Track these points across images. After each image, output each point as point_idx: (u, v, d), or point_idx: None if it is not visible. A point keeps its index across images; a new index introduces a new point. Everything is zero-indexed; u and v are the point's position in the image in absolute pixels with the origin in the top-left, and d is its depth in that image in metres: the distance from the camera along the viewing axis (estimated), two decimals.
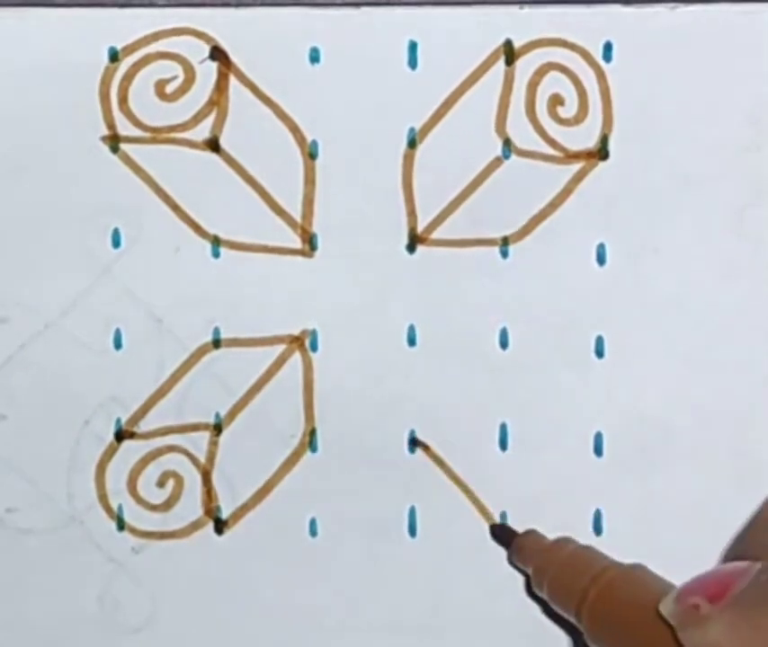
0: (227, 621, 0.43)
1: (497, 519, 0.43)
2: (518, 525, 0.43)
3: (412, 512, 0.43)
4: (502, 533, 0.43)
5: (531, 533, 0.42)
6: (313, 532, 0.43)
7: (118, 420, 0.42)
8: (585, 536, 0.42)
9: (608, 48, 0.40)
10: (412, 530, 0.43)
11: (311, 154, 0.41)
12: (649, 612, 0.36)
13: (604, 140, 0.41)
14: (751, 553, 0.36)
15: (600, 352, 0.42)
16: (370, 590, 0.43)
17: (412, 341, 0.42)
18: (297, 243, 0.41)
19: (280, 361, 0.42)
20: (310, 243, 0.41)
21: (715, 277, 0.42)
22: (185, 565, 0.43)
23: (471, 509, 0.43)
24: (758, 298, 0.42)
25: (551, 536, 0.42)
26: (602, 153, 0.41)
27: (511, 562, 0.43)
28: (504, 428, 0.43)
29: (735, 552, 0.38)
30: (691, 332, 0.42)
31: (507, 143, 0.41)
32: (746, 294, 0.42)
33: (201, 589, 0.43)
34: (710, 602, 0.33)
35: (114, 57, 0.40)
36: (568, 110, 0.41)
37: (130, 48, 0.40)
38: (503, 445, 0.43)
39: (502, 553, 0.43)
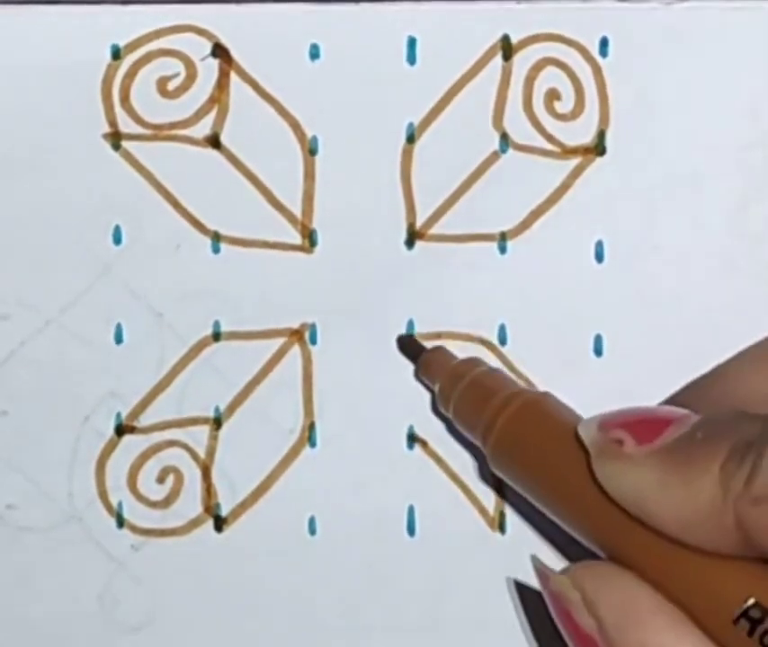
0: (227, 619, 0.43)
1: (495, 517, 0.43)
2: (518, 523, 0.43)
3: (411, 511, 0.43)
4: (410, 346, 0.42)
5: (439, 349, 0.41)
6: (312, 530, 0.43)
7: (118, 415, 0.42)
8: None
9: (604, 43, 0.41)
10: (411, 529, 0.43)
11: (311, 150, 0.41)
12: (563, 437, 0.34)
13: (601, 136, 0.42)
14: (693, 403, 0.33)
15: (598, 350, 0.42)
16: (368, 589, 0.43)
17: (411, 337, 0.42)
18: (297, 238, 0.42)
19: (279, 354, 0.42)
20: (310, 238, 0.42)
21: (714, 274, 0.42)
22: (185, 563, 0.43)
23: (470, 508, 0.43)
24: (757, 296, 0.42)
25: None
26: (599, 148, 0.42)
27: (417, 376, 0.42)
28: None
29: (676, 399, 0.36)
30: (690, 330, 0.42)
31: (504, 137, 0.41)
32: (746, 292, 0.42)
33: (201, 588, 0.43)
34: (637, 442, 0.31)
35: (116, 54, 0.40)
36: (565, 105, 0.41)
37: (132, 46, 0.40)
38: None
39: (501, 553, 0.43)
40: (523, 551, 0.43)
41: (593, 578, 0.33)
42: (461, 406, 0.39)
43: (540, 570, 0.34)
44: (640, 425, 0.32)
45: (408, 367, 0.43)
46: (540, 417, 0.37)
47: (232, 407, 0.42)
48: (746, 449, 0.29)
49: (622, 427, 0.32)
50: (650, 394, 0.42)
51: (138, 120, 0.41)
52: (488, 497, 0.43)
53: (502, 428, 0.37)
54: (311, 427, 0.43)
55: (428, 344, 0.42)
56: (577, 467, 0.33)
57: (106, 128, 0.41)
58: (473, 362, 0.40)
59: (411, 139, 0.41)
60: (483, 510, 0.43)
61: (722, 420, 0.31)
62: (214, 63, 0.41)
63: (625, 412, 0.33)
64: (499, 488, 0.41)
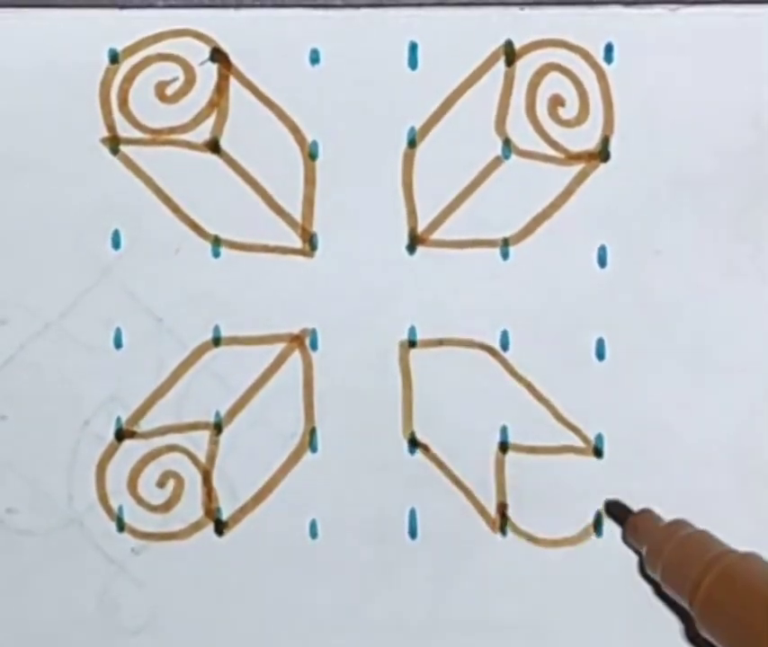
0: (228, 622, 0.43)
1: (497, 519, 0.43)
2: (518, 525, 0.43)
3: (412, 514, 0.43)
4: (616, 510, 0.43)
5: (646, 512, 0.42)
6: (313, 534, 0.43)
7: (118, 420, 0.42)
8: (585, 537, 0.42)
9: (609, 49, 0.40)
10: (412, 532, 0.43)
11: (311, 154, 0.41)
12: (765, 602, 0.35)
13: (605, 142, 0.41)
14: None
15: (600, 354, 0.42)
16: (370, 591, 0.43)
17: (412, 343, 0.42)
18: (297, 242, 0.41)
19: (280, 360, 0.42)
20: (310, 242, 0.41)
21: (715, 278, 0.42)
22: (186, 566, 0.43)
23: (471, 511, 0.43)
24: (758, 299, 0.42)
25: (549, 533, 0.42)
26: (603, 154, 0.41)
27: (624, 539, 0.42)
28: (504, 429, 0.43)
29: None
30: (691, 333, 0.42)
31: (507, 143, 0.41)
32: (747, 295, 0.42)
33: (202, 591, 0.43)
34: None
35: (114, 58, 0.40)
36: (569, 111, 0.41)
37: (131, 50, 0.40)
38: (503, 447, 0.43)
39: (502, 555, 0.43)
40: (524, 553, 0.43)
41: None
42: (668, 571, 0.40)
43: None
44: None
45: (410, 374, 0.42)
46: (743, 580, 0.37)
47: (233, 412, 0.42)
48: None
49: None
50: (652, 398, 0.42)
51: (137, 125, 0.41)
52: (490, 500, 0.43)
53: (706, 592, 0.38)
54: (312, 432, 0.42)
55: (431, 349, 0.42)
56: None
57: (104, 133, 0.41)
58: (679, 525, 0.41)
59: (412, 144, 0.41)
60: (484, 513, 0.43)
61: None
62: (213, 67, 0.40)
63: None
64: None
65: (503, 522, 0.43)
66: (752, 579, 0.37)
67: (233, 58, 0.40)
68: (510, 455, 0.43)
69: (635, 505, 0.43)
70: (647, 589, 0.43)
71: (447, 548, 0.43)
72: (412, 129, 0.41)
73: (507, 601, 0.43)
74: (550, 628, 0.43)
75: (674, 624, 0.43)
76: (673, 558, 0.40)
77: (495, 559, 0.43)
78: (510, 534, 0.43)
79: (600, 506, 0.43)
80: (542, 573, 0.43)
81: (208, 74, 0.40)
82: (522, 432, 0.43)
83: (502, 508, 0.43)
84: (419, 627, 0.43)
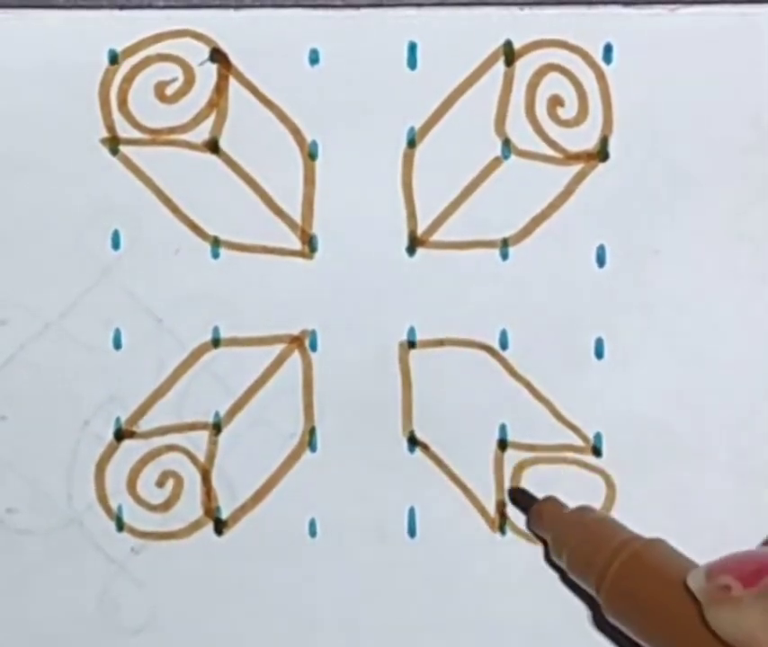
0: (227, 622, 0.43)
1: (496, 519, 0.43)
2: (517, 525, 0.43)
3: (411, 513, 0.43)
4: (521, 498, 0.43)
5: (550, 499, 0.42)
6: (312, 533, 0.43)
7: (117, 420, 0.42)
8: None
9: (608, 49, 0.40)
10: (411, 531, 0.43)
11: (311, 155, 0.41)
12: (673, 587, 0.36)
13: (604, 141, 0.41)
14: None
15: (599, 354, 0.42)
16: (369, 591, 0.43)
17: (412, 343, 0.42)
18: (296, 244, 0.41)
19: (279, 361, 0.42)
20: (310, 244, 0.41)
21: (715, 278, 0.42)
22: (185, 566, 0.43)
23: (471, 510, 0.43)
24: (758, 299, 0.42)
25: None
26: (602, 154, 0.41)
27: (529, 527, 0.43)
28: (503, 428, 0.43)
29: None
30: (690, 333, 0.42)
31: (507, 143, 0.41)
32: (746, 295, 0.42)
33: (201, 591, 0.43)
34: (743, 585, 0.32)
35: (114, 59, 0.40)
36: (568, 111, 0.41)
37: (130, 50, 0.40)
38: (502, 446, 0.43)
39: (502, 554, 0.43)
40: (523, 552, 0.43)
41: None
42: (573, 558, 0.40)
43: None
44: (745, 569, 0.33)
45: (409, 374, 0.42)
46: (650, 566, 0.37)
47: (232, 413, 0.42)
48: None
49: (728, 573, 0.33)
50: (650, 398, 0.42)
51: (137, 125, 0.41)
52: (489, 499, 0.43)
53: (613, 578, 0.38)
54: (311, 432, 0.42)
55: (430, 349, 0.42)
56: (688, 615, 0.34)
57: (104, 133, 0.41)
58: (584, 511, 0.41)
59: (412, 144, 0.41)
60: (484, 512, 0.43)
61: None
62: (212, 68, 0.40)
63: (729, 559, 0.34)
64: (613, 635, 0.42)
65: (502, 522, 0.43)
66: (659, 563, 0.37)
67: (232, 59, 0.40)
68: (509, 453, 0.43)
69: (634, 505, 0.43)
70: None
71: (446, 547, 0.43)
72: (411, 130, 0.41)
73: (506, 600, 0.43)
74: (550, 628, 0.43)
75: None
76: (578, 545, 0.40)
77: (494, 558, 0.43)
78: (509, 533, 0.43)
79: (600, 506, 0.43)
80: (541, 573, 0.43)
81: (207, 74, 0.40)
82: (521, 431, 0.43)
83: (501, 507, 0.43)
84: (418, 626, 0.43)
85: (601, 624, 0.42)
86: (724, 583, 0.33)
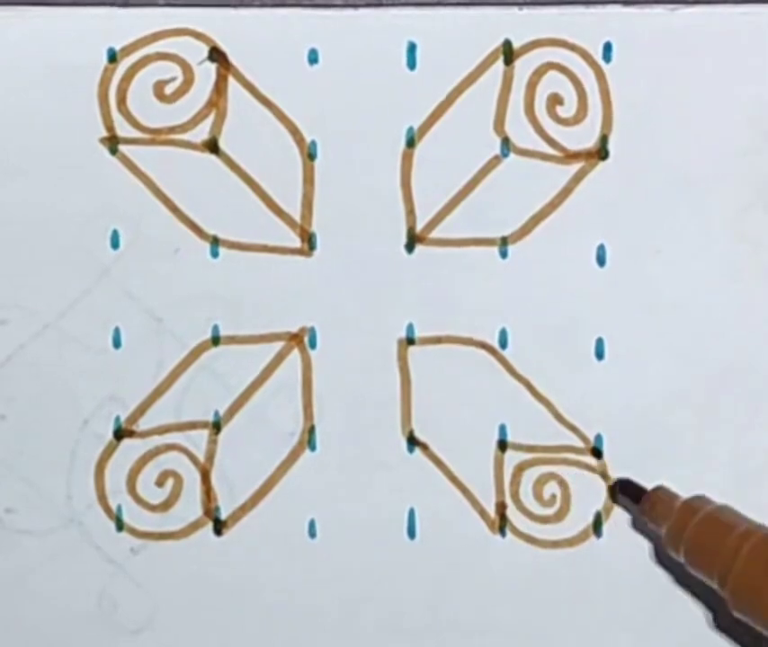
0: (226, 622, 0.43)
1: (496, 520, 0.43)
2: (518, 526, 0.43)
3: (411, 514, 0.43)
4: (629, 488, 0.41)
5: (661, 488, 0.40)
6: (312, 533, 0.43)
7: (117, 419, 0.42)
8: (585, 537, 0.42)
9: (608, 48, 0.40)
10: (411, 532, 0.43)
11: (310, 154, 0.41)
12: None
13: (604, 140, 0.41)
14: None
15: (600, 353, 0.42)
16: (369, 591, 0.43)
17: (411, 341, 0.42)
18: (296, 242, 0.41)
19: (278, 358, 0.42)
20: (309, 242, 0.41)
21: (715, 277, 0.42)
22: (184, 566, 0.43)
23: (470, 511, 0.43)
24: (758, 299, 0.42)
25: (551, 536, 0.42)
26: (601, 153, 0.41)
27: (635, 524, 0.41)
28: (503, 429, 0.43)
29: None
30: (691, 332, 0.42)
31: (506, 141, 0.41)
32: (746, 295, 0.42)
33: (201, 590, 0.43)
34: None
35: (113, 57, 0.40)
36: (568, 109, 0.41)
37: (129, 49, 0.40)
38: (502, 446, 0.43)
39: (502, 555, 0.43)
40: (523, 554, 0.43)
41: None
42: (694, 548, 0.38)
43: None
44: None
45: (409, 372, 0.42)
46: None
47: (231, 411, 0.42)
48: None
49: None
50: (651, 398, 0.42)
51: (136, 124, 0.41)
52: (489, 500, 0.43)
53: (741, 568, 0.36)
54: (311, 431, 0.42)
55: (429, 346, 0.42)
56: None
57: (103, 133, 0.41)
58: (701, 500, 0.39)
59: (411, 143, 0.41)
60: (483, 513, 0.43)
61: None
62: (211, 67, 0.40)
63: None
64: (737, 635, 0.41)
65: (502, 523, 0.43)
66: None
67: (232, 58, 0.40)
68: (509, 454, 0.43)
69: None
70: (647, 590, 0.43)
71: (445, 548, 0.43)
72: (410, 129, 0.41)
73: (506, 602, 0.43)
74: (549, 629, 0.43)
75: (676, 626, 0.43)
76: (699, 534, 0.37)
77: (493, 560, 0.43)
78: (509, 535, 0.43)
79: (601, 507, 0.43)
80: (541, 574, 0.43)
81: (206, 73, 0.40)
82: (521, 432, 0.43)
83: (501, 508, 0.43)
84: (417, 627, 0.43)
85: (724, 624, 0.41)
86: None
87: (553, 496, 0.43)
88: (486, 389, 0.43)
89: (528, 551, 0.43)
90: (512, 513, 0.43)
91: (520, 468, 0.43)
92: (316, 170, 0.41)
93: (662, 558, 0.41)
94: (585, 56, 0.40)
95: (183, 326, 0.42)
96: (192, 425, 0.42)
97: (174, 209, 0.41)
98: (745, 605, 0.36)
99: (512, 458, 0.43)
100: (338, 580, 0.43)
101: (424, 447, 0.43)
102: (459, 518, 0.43)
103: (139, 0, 0.40)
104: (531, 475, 0.43)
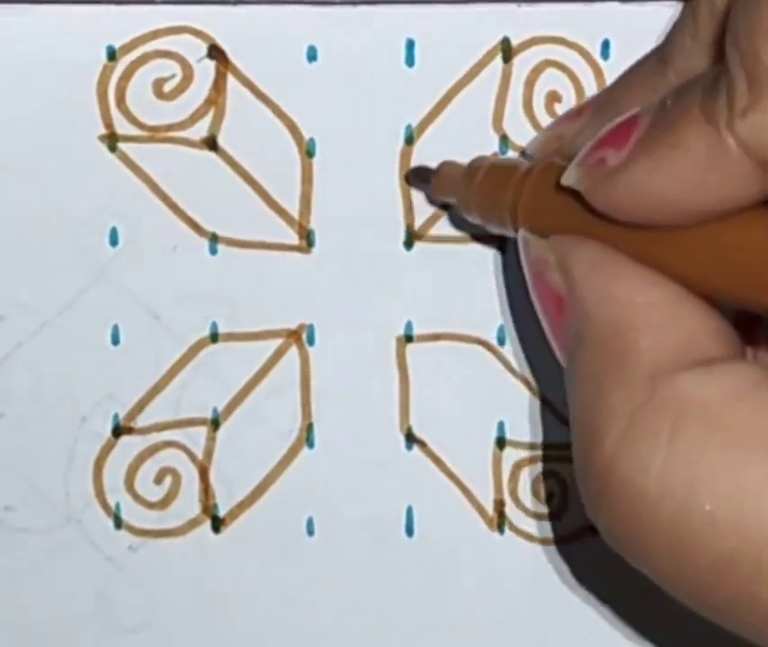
0: (225, 620, 0.43)
1: (494, 518, 0.43)
2: (516, 524, 0.43)
3: (409, 512, 0.43)
4: (420, 173, 0.40)
5: (447, 162, 0.40)
6: (310, 531, 0.43)
7: (115, 416, 0.42)
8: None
9: (606, 45, 0.40)
10: (409, 530, 0.43)
11: (308, 151, 0.41)
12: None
13: None
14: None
15: None
16: (367, 590, 0.43)
17: (409, 338, 0.42)
18: (294, 239, 0.42)
19: (277, 356, 0.42)
20: (307, 239, 0.42)
21: None
22: (182, 564, 0.43)
23: (469, 508, 0.43)
24: None
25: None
26: None
27: (432, 201, 0.41)
28: (501, 426, 0.43)
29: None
30: None
31: (504, 139, 0.41)
32: None
33: (199, 589, 0.43)
34: (617, 150, 0.29)
35: (112, 55, 0.40)
36: (566, 107, 0.41)
37: (128, 47, 0.40)
38: (500, 444, 0.43)
39: (500, 553, 0.43)
40: (522, 551, 0.43)
41: (569, 242, 0.32)
42: (483, 201, 0.37)
43: (524, 238, 0.33)
44: (613, 137, 0.30)
45: (407, 369, 0.42)
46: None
47: (230, 408, 0.42)
48: (716, 80, 0.27)
49: (598, 149, 0.30)
50: None
51: (135, 122, 0.41)
52: (487, 498, 0.43)
53: (528, 196, 0.34)
54: (309, 428, 0.43)
55: (428, 344, 0.42)
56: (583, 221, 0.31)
57: (102, 130, 0.41)
58: (483, 158, 0.38)
59: (410, 141, 0.41)
60: (482, 511, 0.43)
61: (686, 82, 0.29)
62: (210, 64, 0.40)
63: (594, 139, 0.31)
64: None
65: (500, 521, 0.43)
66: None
67: (230, 55, 0.40)
68: (507, 451, 0.43)
69: None
70: (646, 588, 0.43)
71: (444, 546, 0.43)
72: (409, 127, 0.41)
73: (504, 600, 0.43)
74: (548, 627, 0.43)
75: (675, 626, 0.43)
76: (485, 187, 0.37)
77: (492, 557, 0.43)
78: (507, 532, 0.43)
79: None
80: (540, 572, 0.43)
81: (205, 71, 0.40)
82: (519, 429, 0.43)
83: (499, 505, 0.43)
84: (416, 625, 0.43)
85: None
86: (597, 159, 0.30)
87: (551, 494, 0.43)
88: (484, 386, 0.43)
89: (526, 548, 0.43)
90: (510, 511, 0.43)
91: (518, 466, 0.43)
92: (314, 167, 0.41)
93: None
94: (583, 53, 0.41)
95: (182, 323, 0.42)
96: (191, 422, 0.42)
97: (173, 207, 0.41)
98: (533, 226, 0.34)
99: (510, 456, 0.43)
100: (336, 578, 0.43)
101: (423, 445, 0.43)
102: (458, 515, 0.43)
103: None
104: (529, 473, 0.43)
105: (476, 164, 0.38)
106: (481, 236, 0.42)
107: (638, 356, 0.29)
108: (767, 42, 0.26)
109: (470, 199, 0.38)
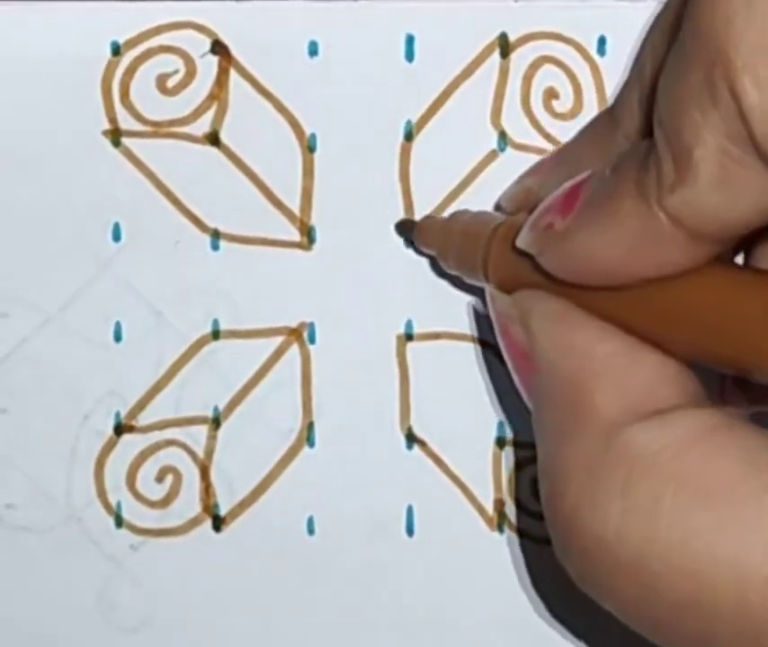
0: (225, 619, 0.43)
1: (494, 517, 0.43)
2: (516, 523, 0.43)
3: (409, 511, 0.43)
4: (405, 225, 0.42)
5: (428, 216, 0.41)
6: (311, 530, 0.43)
7: (117, 414, 0.42)
8: None
9: (602, 42, 0.41)
10: (409, 529, 0.43)
11: (310, 147, 0.41)
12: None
13: None
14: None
15: None
16: (367, 589, 0.43)
17: (409, 336, 0.42)
18: (295, 235, 0.42)
19: (278, 353, 0.42)
20: (309, 235, 0.42)
21: None
22: (183, 563, 0.43)
23: (469, 508, 0.43)
24: None
25: None
26: None
27: (418, 251, 0.42)
28: (501, 425, 0.43)
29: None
30: None
31: (503, 135, 0.41)
32: None
33: (200, 588, 0.43)
34: (563, 217, 0.31)
35: (117, 50, 0.41)
36: (563, 103, 0.41)
37: (133, 42, 0.41)
38: (500, 443, 0.43)
39: (500, 553, 0.43)
40: (522, 551, 0.43)
41: (530, 297, 0.33)
42: (459, 255, 0.39)
43: (491, 293, 0.35)
44: (559, 204, 0.32)
45: (408, 367, 0.43)
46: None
47: (231, 406, 0.42)
48: (648, 155, 0.29)
49: (547, 214, 0.32)
50: None
51: (138, 117, 0.41)
52: (487, 497, 0.43)
53: (495, 252, 0.36)
54: (310, 427, 0.43)
55: (428, 342, 0.42)
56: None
57: (106, 125, 0.41)
58: (462, 213, 0.40)
59: (409, 137, 0.42)
60: (482, 510, 0.43)
61: (625, 153, 0.31)
62: (213, 60, 0.41)
63: (544, 203, 0.32)
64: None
65: (500, 520, 0.43)
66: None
67: (233, 51, 0.41)
68: (507, 451, 0.43)
69: None
70: None
71: (444, 546, 0.43)
72: (408, 123, 0.41)
73: (504, 598, 0.43)
74: (547, 626, 0.43)
75: None
76: (461, 243, 0.38)
77: (492, 557, 0.43)
78: (507, 532, 0.43)
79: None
80: (540, 571, 0.43)
81: (208, 66, 0.41)
82: (519, 428, 0.43)
83: (499, 505, 0.43)
84: (416, 625, 0.43)
85: None
86: (546, 224, 0.31)
87: None
88: (484, 385, 0.43)
89: (526, 548, 0.43)
90: (510, 510, 0.43)
91: (518, 466, 0.43)
92: (315, 162, 0.41)
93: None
94: (580, 49, 0.41)
95: (184, 320, 0.42)
96: (192, 420, 0.42)
97: (176, 202, 0.42)
98: (500, 282, 0.36)
99: (510, 456, 0.43)
100: (336, 577, 0.43)
101: (423, 444, 0.43)
102: (458, 515, 0.43)
103: None
104: (529, 473, 0.43)
105: (454, 219, 0.39)
106: None
107: (595, 409, 0.30)
108: (689, 121, 0.27)
109: (448, 253, 0.39)
